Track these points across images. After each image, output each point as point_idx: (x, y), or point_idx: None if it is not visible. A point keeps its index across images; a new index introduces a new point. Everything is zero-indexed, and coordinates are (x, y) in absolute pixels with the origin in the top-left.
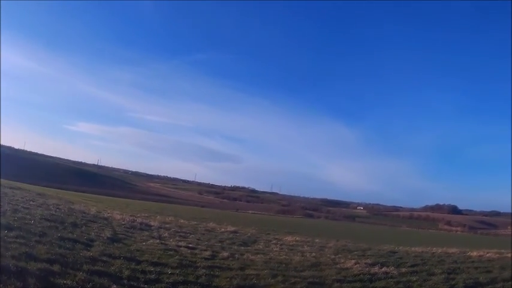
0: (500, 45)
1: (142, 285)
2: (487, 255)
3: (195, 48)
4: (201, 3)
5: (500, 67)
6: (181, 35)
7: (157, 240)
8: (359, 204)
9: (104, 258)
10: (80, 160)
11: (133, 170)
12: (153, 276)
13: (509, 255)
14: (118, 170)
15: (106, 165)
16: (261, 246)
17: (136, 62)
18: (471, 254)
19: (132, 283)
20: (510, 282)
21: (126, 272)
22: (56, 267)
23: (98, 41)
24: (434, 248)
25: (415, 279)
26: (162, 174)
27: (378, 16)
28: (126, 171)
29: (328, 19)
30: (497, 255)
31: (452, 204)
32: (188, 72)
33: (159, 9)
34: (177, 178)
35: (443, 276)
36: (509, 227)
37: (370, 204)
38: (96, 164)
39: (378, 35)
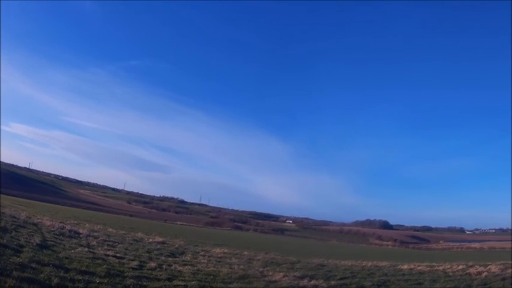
0: (441, 61)
1: None
2: (418, 268)
3: (132, 54)
4: (140, 11)
5: (438, 85)
6: (119, 40)
7: (86, 249)
8: (288, 218)
9: (34, 265)
10: (11, 162)
11: (64, 176)
12: (81, 285)
13: (441, 268)
14: (49, 174)
15: (37, 169)
16: (188, 258)
17: (75, 64)
18: (402, 267)
19: None
20: None
21: (55, 280)
22: None
23: (37, 41)
24: (364, 262)
25: None
26: (92, 181)
27: (312, 31)
28: (56, 177)
29: (264, 35)
30: (429, 268)
31: (384, 219)
32: (123, 78)
33: (99, 12)
34: (107, 186)
35: None
36: (441, 241)
37: (299, 218)
38: (27, 167)
39: (312, 49)
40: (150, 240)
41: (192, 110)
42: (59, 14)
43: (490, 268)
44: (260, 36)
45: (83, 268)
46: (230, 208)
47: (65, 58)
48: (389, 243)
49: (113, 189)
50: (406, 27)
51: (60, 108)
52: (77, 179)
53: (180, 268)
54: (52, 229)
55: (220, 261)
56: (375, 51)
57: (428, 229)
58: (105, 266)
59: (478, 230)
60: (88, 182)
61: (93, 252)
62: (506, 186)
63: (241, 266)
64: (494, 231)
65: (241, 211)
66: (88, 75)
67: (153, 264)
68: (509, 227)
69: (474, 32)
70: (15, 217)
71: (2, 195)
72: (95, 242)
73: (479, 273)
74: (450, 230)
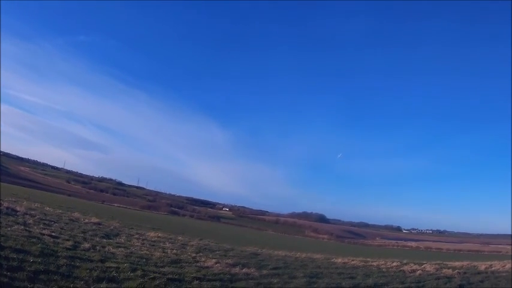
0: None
1: (4, 273)
2: (352, 262)
3: (81, 29)
4: None
5: (381, 77)
6: (69, 12)
7: (22, 227)
8: (225, 206)
9: None
10: None
11: (5, 151)
12: (15, 263)
13: (375, 263)
14: None
15: None
16: (122, 240)
17: (21, 35)
18: (336, 260)
19: None
20: None
21: None
22: None
23: None
24: (298, 253)
25: (276, 281)
26: (33, 158)
27: (259, 16)
28: None
29: (211, 17)
30: (363, 263)
31: (321, 213)
32: (70, 53)
33: None
34: (47, 164)
35: (305, 279)
36: (377, 238)
37: (236, 206)
38: None
39: (259, 33)
40: (86, 220)
41: (136, 91)
42: None
43: (424, 267)
44: (208, 17)
45: (18, 247)
46: (167, 192)
47: (11, 27)
48: (325, 236)
49: (53, 168)
50: (356, 16)
51: (5, 81)
52: (18, 155)
53: (114, 250)
54: None
55: (154, 245)
56: (323, 39)
57: (365, 225)
58: (39, 245)
59: (415, 229)
60: (28, 159)
61: (29, 231)
62: (446, 187)
63: (175, 251)
64: (431, 232)
65: (178, 196)
66: (34, 47)
67: (87, 245)
68: (446, 229)
69: (426, 19)
70: None
71: None
72: (31, 221)
73: (414, 271)
74: (387, 227)
